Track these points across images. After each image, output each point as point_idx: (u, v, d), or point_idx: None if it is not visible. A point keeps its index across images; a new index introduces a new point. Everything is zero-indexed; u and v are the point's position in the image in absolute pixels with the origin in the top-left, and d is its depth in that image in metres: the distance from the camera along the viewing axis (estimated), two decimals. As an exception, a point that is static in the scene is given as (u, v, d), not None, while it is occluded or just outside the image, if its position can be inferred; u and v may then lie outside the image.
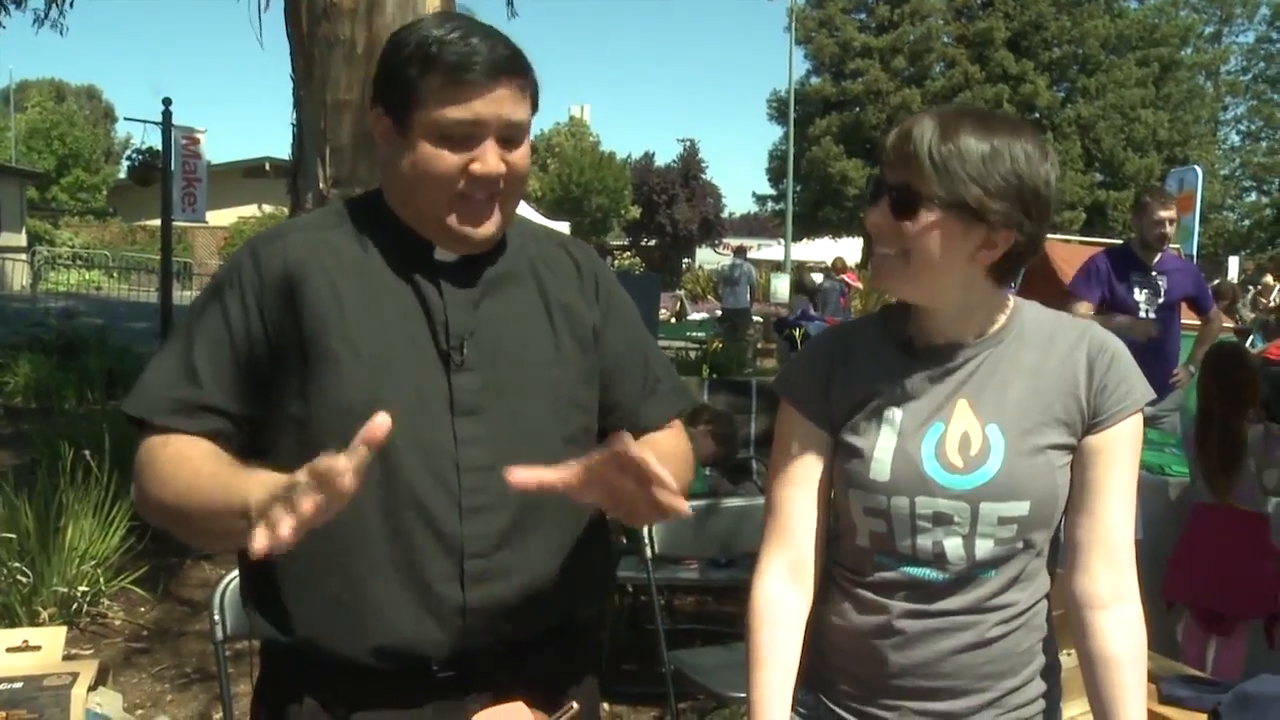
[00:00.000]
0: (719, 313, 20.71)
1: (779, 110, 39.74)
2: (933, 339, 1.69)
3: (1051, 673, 1.76)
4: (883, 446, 1.66)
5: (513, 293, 1.71)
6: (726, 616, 5.16)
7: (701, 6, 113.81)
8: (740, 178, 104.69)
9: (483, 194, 1.61)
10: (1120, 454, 1.69)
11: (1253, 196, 49.33)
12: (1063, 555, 1.74)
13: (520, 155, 1.64)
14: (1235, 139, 49.75)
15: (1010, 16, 36.74)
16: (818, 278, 21.19)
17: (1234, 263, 25.24)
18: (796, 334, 12.59)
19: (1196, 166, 14.98)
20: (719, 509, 3.61)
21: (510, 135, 1.62)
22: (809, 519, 1.74)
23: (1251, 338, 11.02)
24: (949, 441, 1.64)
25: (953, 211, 1.56)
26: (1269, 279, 13.18)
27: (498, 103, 1.59)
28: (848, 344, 1.76)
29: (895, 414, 1.67)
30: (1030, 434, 1.65)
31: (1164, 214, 5.74)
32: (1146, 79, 36.94)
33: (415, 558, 1.59)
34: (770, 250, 43.32)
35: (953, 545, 1.64)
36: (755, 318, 19.91)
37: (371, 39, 4.72)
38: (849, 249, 33.55)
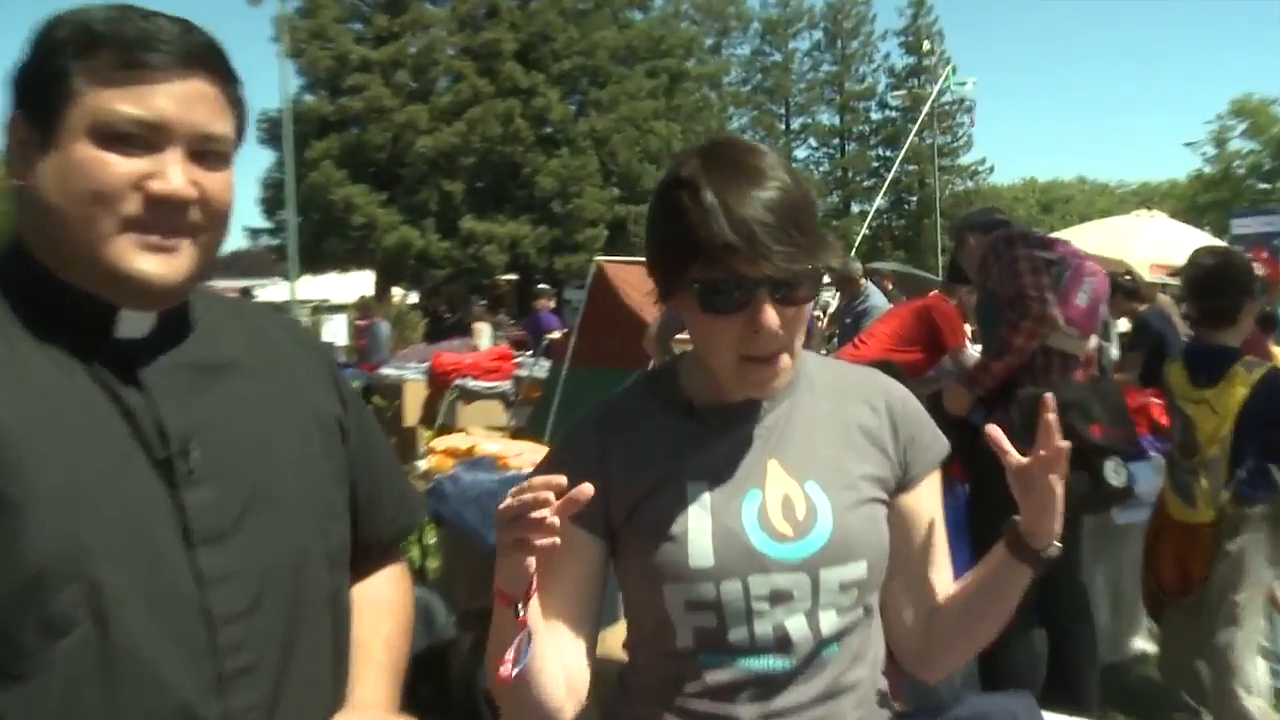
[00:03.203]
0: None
1: (271, 132, 38.72)
2: (720, 398, 1.66)
3: None
4: (697, 528, 1.59)
5: (235, 374, 1.46)
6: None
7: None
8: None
9: (164, 223, 1.28)
10: (932, 507, 1.76)
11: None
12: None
13: (220, 182, 1.33)
14: (742, 150, 54.81)
15: (517, 27, 38.17)
16: (336, 320, 20.87)
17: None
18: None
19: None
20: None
21: (205, 150, 1.31)
22: (578, 636, 1.66)
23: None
24: (770, 508, 1.61)
25: (820, 272, 1.56)
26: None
27: (188, 102, 1.28)
28: (616, 425, 1.69)
29: (701, 489, 1.62)
30: (850, 488, 1.66)
31: None
32: (657, 90, 39.62)
33: None
34: (271, 290, 42.03)
35: (796, 625, 1.59)
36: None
37: None
38: (360, 284, 33.28)
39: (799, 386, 1.70)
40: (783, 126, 55.17)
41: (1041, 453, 1.58)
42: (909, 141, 32.92)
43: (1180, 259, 5.16)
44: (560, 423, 10.30)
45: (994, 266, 4.42)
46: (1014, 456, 1.61)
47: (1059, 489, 1.59)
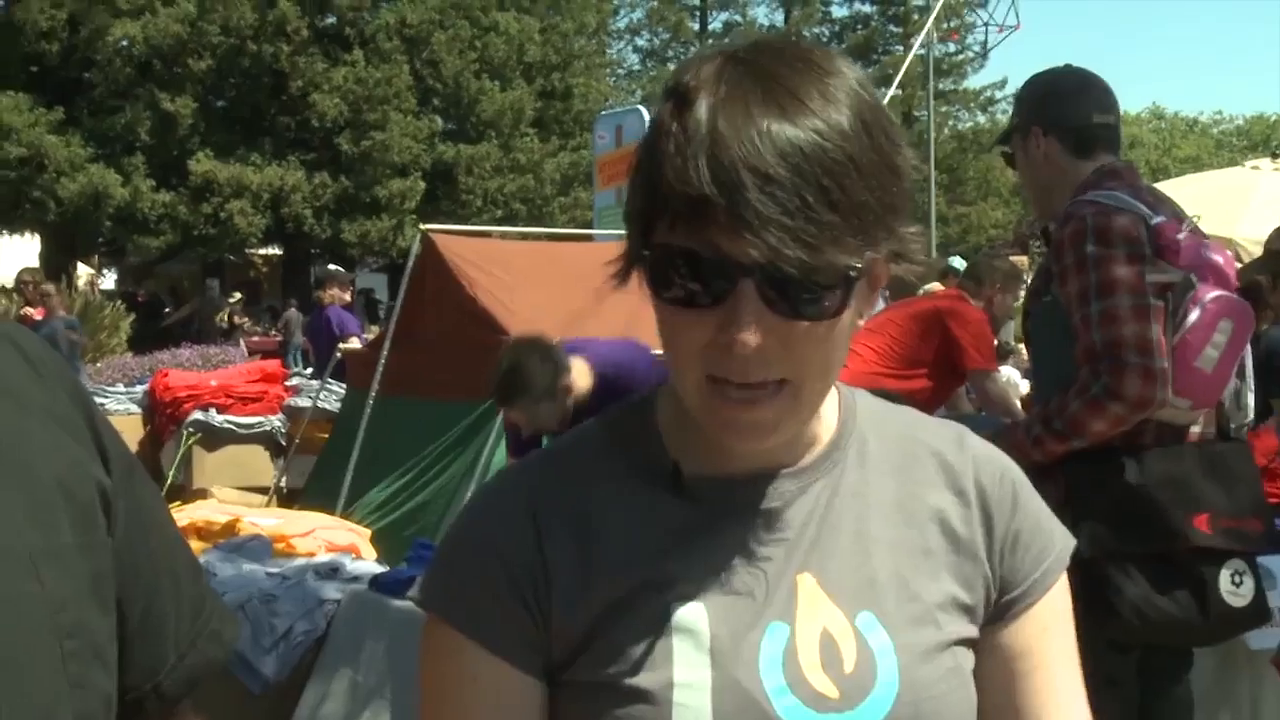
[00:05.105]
0: None
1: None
2: (723, 467, 1.64)
3: None
4: (689, 681, 1.56)
5: None
6: None
7: None
8: None
9: None
10: (1056, 641, 1.74)
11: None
12: None
13: None
14: (634, 59, 55.09)
15: None
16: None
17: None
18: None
19: (641, 108, 16.50)
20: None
21: None
22: None
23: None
24: (804, 653, 1.59)
25: (861, 272, 1.50)
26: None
27: None
28: (562, 496, 1.65)
29: (693, 615, 1.59)
30: (924, 623, 1.64)
31: None
32: (504, -37, 39.66)
33: None
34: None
35: None
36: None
37: None
38: (19, 255, 32.75)
39: (845, 454, 1.70)
40: (695, 25, 55.52)
41: None
42: (908, 56, 33.10)
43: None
44: (363, 482, 10.16)
45: (1073, 273, 4.15)
46: None
47: None
